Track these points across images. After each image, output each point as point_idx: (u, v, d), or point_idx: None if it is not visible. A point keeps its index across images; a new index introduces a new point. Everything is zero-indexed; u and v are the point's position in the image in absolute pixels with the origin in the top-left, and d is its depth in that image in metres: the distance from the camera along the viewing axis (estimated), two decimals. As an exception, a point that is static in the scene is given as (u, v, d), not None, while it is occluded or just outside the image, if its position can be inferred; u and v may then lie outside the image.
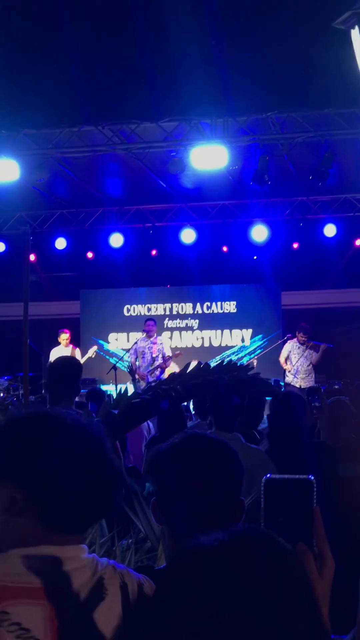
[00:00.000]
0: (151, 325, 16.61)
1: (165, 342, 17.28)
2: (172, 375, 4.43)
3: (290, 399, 5.84)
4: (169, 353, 16.51)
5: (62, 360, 7.11)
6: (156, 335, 16.79)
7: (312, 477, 1.89)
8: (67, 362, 6.69)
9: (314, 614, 1.45)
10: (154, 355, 16.36)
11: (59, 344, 17.16)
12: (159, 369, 16.01)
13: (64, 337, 17.18)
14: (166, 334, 19.98)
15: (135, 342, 16.70)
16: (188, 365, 4.50)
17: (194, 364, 4.54)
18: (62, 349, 16.72)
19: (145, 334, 16.59)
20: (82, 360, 16.82)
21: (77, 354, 16.86)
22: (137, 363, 16.40)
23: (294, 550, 1.64)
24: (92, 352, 17.45)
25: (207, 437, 2.71)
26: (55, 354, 16.36)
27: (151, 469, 2.69)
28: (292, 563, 1.49)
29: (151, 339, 16.52)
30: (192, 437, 2.67)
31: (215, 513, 2.50)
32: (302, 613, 1.42)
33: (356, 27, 7.04)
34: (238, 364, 4.71)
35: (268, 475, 1.91)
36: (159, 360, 16.27)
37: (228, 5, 10.31)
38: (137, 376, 16.48)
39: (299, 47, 10.63)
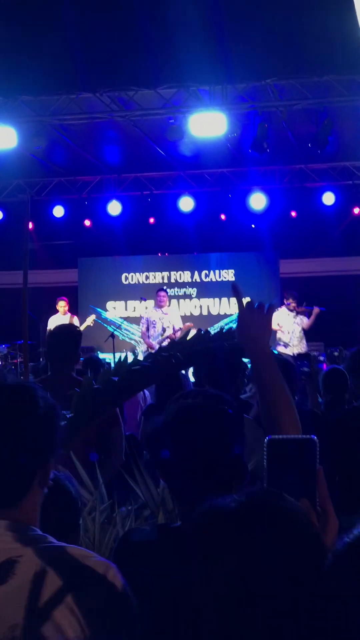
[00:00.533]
0: (163, 296, 16.74)
1: (176, 313, 17.30)
2: (172, 342, 4.43)
3: (286, 368, 5.81)
4: (179, 324, 16.58)
5: (62, 327, 7.09)
6: (168, 306, 16.89)
7: (315, 437, 1.89)
8: (67, 330, 6.67)
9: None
10: (165, 326, 16.44)
11: (57, 312, 17.17)
12: (167, 340, 16.05)
13: (62, 304, 17.20)
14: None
15: (146, 312, 16.80)
16: (188, 332, 4.49)
17: (193, 331, 4.54)
18: (60, 317, 16.73)
19: (156, 304, 16.72)
20: (80, 329, 16.87)
21: (75, 321, 16.88)
22: (148, 333, 16.51)
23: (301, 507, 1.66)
24: (90, 320, 17.44)
25: (200, 406, 2.70)
26: (53, 322, 16.37)
27: (150, 447, 2.69)
28: (302, 519, 1.53)
29: (162, 309, 16.61)
30: (185, 409, 2.67)
31: (218, 479, 2.50)
32: (315, 563, 1.47)
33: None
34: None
35: (270, 436, 1.91)
36: (170, 331, 16.32)
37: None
38: (145, 346, 16.57)
39: (298, 12, 10.55)
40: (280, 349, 16.65)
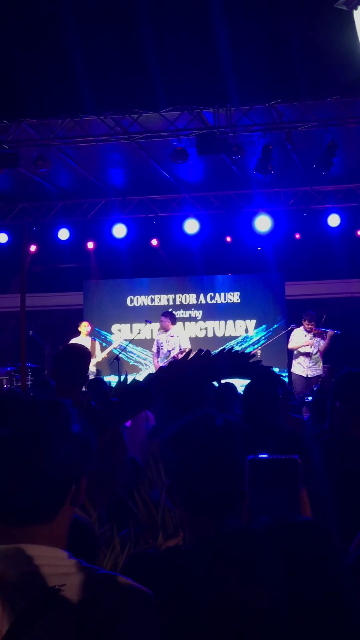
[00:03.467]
0: (162, 320, 16.98)
1: (183, 335, 17.34)
2: (173, 362, 4.38)
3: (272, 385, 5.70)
4: (185, 345, 16.65)
5: (70, 347, 7.03)
6: (175, 328, 17.01)
7: (297, 457, 1.85)
8: (76, 350, 6.59)
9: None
10: (169, 349, 16.54)
11: (77, 334, 17.27)
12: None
13: (85, 325, 17.37)
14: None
15: (156, 336, 17.02)
16: (189, 353, 4.44)
17: (194, 353, 4.50)
18: (82, 339, 16.80)
19: (160, 328, 16.87)
20: (104, 353, 16.98)
21: (97, 346, 16.99)
22: (158, 355, 16.68)
23: (338, 540, 1.60)
24: (117, 343, 17.61)
25: (216, 421, 2.66)
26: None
27: (164, 452, 2.65)
28: (330, 554, 1.48)
29: (167, 333, 16.72)
30: (203, 418, 2.63)
31: (219, 498, 2.45)
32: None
33: (359, 8, 6.98)
34: (239, 352, 4.65)
35: (251, 456, 1.87)
36: (175, 352, 16.40)
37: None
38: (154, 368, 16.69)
39: (302, 34, 10.57)
40: (298, 367, 16.58)
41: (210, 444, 2.51)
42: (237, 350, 4.64)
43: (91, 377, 15.40)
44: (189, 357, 4.43)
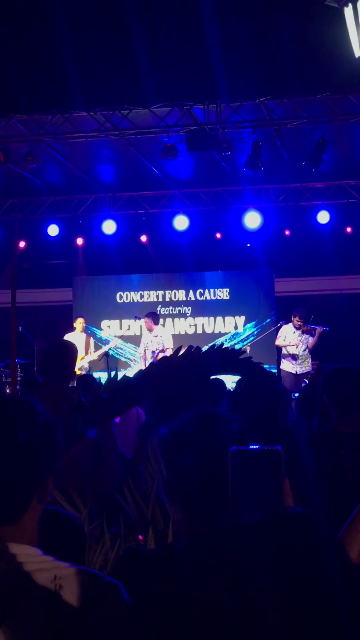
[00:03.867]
0: (146, 322, 17.08)
1: (165, 334, 17.35)
2: (163, 359, 4.38)
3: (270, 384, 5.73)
4: (168, 344, 16.68)
5: (56, 343, 7.00)
6: (159, 328, 17.04)
7: (280, 448, 1.85)
8: (62, 346, 6.57)
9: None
10: (153, 349, 16.60)
11: (72, 329, 17.28)
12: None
13: (80, 321, 17.37)
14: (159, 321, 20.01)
15: (143, 336, 17.18)
16: (179, 349, 4.44)
17: (184, 349, 4.49)
18: (76, 335, 16.79)
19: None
20: (100, 352, 16.98)
21: (91, 342, 17.00)
22: (145, 355, 16.79)
23: (330, 531, 1.59)
24: (113, 344, 17.62)
25: (220, 415, 2.65)
26: (69, 339, 16.43)
27: (164, 447, 2.63)
28: (327, 546, 1.47)
29: (152, 333, 16.77)
30: (206, 415, 2.62)
31: (216, 496, 2.45)
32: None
33: (349, 5, 6.98)
34: (230, 348, 4.66)
35: (234, 447, 1.87)
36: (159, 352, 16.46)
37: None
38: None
39: (292, 31, 10.56)
40: (286, 364, 16.60)
41: (210, 441, 2.51)
42: (228, 347, 4.63)
43: (83, 372, 15.44)
44: (179, 354, 4.43)
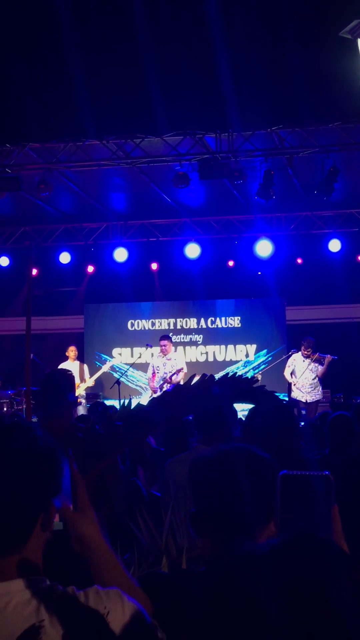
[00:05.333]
0: (163, 345, 16.93)
1: (180, 358, 17.33)
2: (177, 387, 4.37)
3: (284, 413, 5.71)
4: (182, 365, 16.70)
5: (52, 373, 7.00)
6: (172, 352, 16.97)
7: (329, 473, 1.84)
8: (57, 376, 6.57)
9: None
10: (167, 371, 16.52)
11: (66, 358, 17.20)
12: (167, 384, 16.09)
13: (72, 349, 17.26)
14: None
15: (152, 359, 16.95)
16: (192, 377, 4.44)
17: (197, 377, 4.48)
18: (69, 364, 16.73)
19: (160, 352, 16.81)
20: (94, 377, 16.90)
21: (85, 370, 16.93)
22: (154, 379, 16.64)
23: (345, 557, 1.58)
24: (107, 367, 17.52)
25: (249, 451, 2.65)
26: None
27: (193, 480, 2.62)
28: (340, 573, 1.46)
29: (166, 356, 16.69)
30: (235, 451, 2.62)
31: (253, 523, 2.45)
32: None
33: (363, 36, 7.03)
34: (243, 377, 4.65)
35: (284, 471, 1.87)
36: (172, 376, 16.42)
37: (232, 19, 10.29)
38: (151, 392, 16.68)
39: (304, 60, 10.61)
40: (297, 393, 16.57)
41: (242, 475, 2.50)
42: (241, 375, 4.63)
43: (80, 401, 15.37)
44: (193, 382, 4.42)
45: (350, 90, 10.47)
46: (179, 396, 4.26)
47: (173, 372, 16.51)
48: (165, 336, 17.32)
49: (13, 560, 2.15)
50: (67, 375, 6.24)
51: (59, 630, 2.04)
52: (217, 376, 4.54)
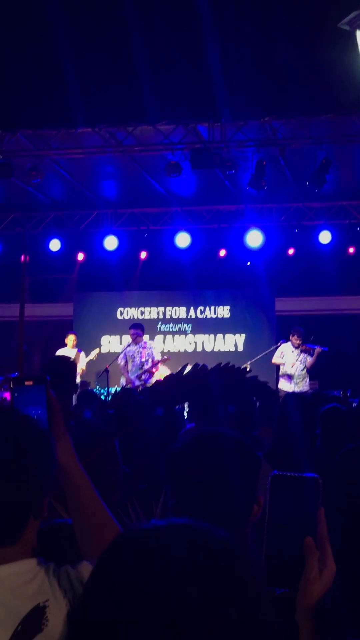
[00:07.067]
0: (132, 333, 16.62)
1: (155, 347, 17.25)
2: (169, 377, 4.37)
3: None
4: (158, 357, 16.52)
5: (55, 359, 7.01)
6: (145, 340, 16.78)
7: (318, 476, 1.86)
8: (61, 361, 6.58)
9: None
10: (142, 360, 16.39)
11: (64, 345, 17.21)
12: (146, 373, 16.02)
13: (72, 338, 17.28)
14: (159, 337, 19.95)
15: (126, 347, 16.75)
16: (184, 367, 4.44)
17: (189, 367, 4.48)
18: (68, 351, 16.73)
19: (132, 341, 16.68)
20: (84, 363, 16.88)
21: (82, 357, 16.92)
22: (127, 367, 16.46)
23: (235, 549, 1.53)
24: (94, 354, 17.47)
25: (223, 434, 2.65)
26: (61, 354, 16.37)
27: (169, 471, 2.62)
28: (223, 559, 1.42)
29: (139, 344, 16.52)
30: (208, 435, 2.62)
31: (234, 509, 2.45)
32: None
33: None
34: (235, 367, 4.65)
35: (275, 472, 1.88)
36: (148, 365, 16.27)
37: (224, 7, 10.28)
38: (125, 380, 16.58)
39: (298, 51, 10.60)
40: (284, 383, 16.58)
41: (222, 453, 2.51)
42: (233, 365, 4.64)
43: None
44: (185, 372, 4.43)
45: (343, 82, 10.47)
46: (172, 386, 4.26)
47: (149, 362, 16.35)
48: (135, 324, 17.11)
49: (10, 549, 2.16)
50: (68, 362, 6.25)
51: (63, 608, 2.07)
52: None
